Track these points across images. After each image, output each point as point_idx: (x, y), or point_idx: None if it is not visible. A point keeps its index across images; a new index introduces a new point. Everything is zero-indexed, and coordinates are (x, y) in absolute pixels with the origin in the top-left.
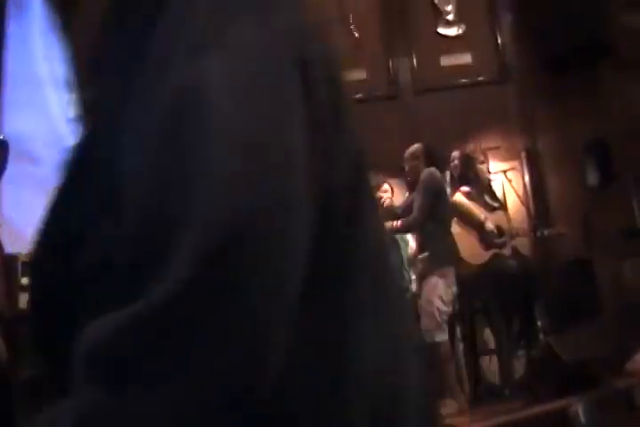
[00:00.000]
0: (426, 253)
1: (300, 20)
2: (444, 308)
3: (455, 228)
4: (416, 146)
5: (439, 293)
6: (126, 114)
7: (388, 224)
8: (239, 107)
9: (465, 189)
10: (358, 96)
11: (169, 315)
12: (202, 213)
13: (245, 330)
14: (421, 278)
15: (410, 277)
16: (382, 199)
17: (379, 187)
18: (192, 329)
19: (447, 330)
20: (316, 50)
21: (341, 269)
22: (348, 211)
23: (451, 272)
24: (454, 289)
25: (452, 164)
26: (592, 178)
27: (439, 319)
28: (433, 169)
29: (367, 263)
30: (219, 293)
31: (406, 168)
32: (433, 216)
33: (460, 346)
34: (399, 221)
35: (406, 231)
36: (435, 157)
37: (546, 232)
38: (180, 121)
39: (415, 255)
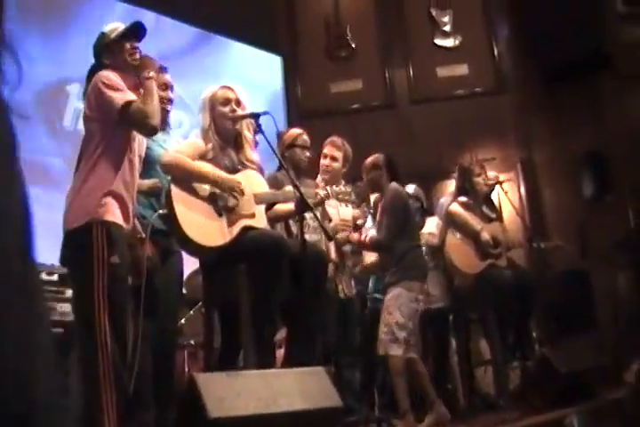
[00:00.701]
0: (394, 269)
1: None
2: (402, 320)
3: (451, 237)
4: (376, 155)
5: (400, 304)
6: None
7: (356, 237)
8: None
9: (462, 199)
10: (355, 106)
11: None
12: None
13: None
14: (386, 288)
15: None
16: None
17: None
18: None
19: (404, 345)
20: None
21: None
22: None
23: (417, 287)
24: (418, 306)
25: (453, 174)
26: (588, 189)
27: (396, 332)
28: (396, 185)
29: None
30: None
31: (365, 178)
32: (401, 234)
33: (455, 357)
34: (368, 237)
35: (375, 250)
36: (397, 169)
37: (543, 245)
38: None
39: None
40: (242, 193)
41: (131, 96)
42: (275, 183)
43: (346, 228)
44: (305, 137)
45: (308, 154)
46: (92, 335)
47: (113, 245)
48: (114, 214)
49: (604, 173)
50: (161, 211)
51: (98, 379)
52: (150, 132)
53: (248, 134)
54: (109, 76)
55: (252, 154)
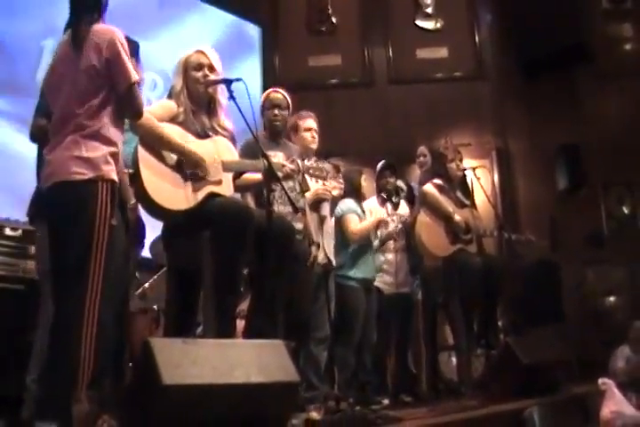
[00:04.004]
0: None
1: None
2: None
3: (423, 217)
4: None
5: None
6: None
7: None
8: None
9: (437, 181)
10: (332, 81)
11: None
12: None
13: None
14: None
15: None
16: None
17: (360, 174)
18: None
19: None
20: None
21: None
22: None
23: None
24: None
25: (418, 159)
26: (561, 183)
27: None
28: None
29: None
30: None
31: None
32: None
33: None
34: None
35: None
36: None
37: (514, 237)
38: None
39: None
40: (204, 171)
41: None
42: (249, 151)
43: (327, 193)
44: (273, 95)
45: (276, 112)
46: (81, 298)
47: (114, 207)
48: (115, 176)
49: (578, 166)
50: (126, 171)
51: (80, 338)
52: (136, 116)
53: (223, 100)
54: (123, 40)
55: (225, 120)
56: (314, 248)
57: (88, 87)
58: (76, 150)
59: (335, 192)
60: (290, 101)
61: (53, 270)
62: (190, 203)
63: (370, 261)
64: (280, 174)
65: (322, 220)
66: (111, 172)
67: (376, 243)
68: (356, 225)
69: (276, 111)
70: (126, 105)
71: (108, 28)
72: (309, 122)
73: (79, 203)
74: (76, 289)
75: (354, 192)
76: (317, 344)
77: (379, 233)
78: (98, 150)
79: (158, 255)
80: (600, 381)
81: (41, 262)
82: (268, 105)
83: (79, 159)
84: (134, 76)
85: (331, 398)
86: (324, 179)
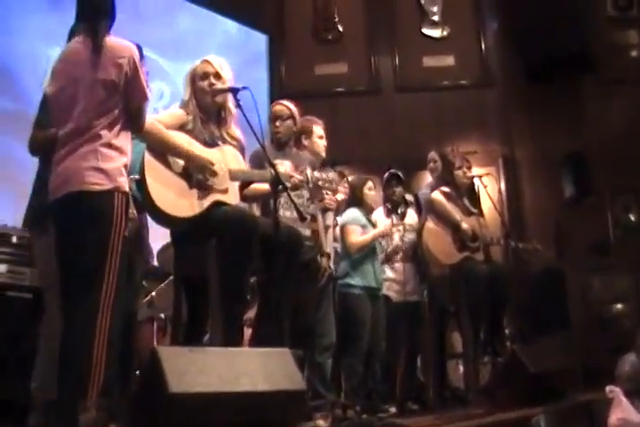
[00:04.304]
0: None
1: None
2: None
3: (430, 224)
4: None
5: None
6: None
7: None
8: None
9: (445, 189)
10: (338, 89)
11: None
12: None
13: None
14: None
15: None
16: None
17: (364, 183)
18: None
19: None
20: None
21: None
22: None
23: None
24: None
25: (429, 165)
26: (568, 190)
27: None
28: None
29: None
30: None
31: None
32: None
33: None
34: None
35: None
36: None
37: (521, 245)
38: None
39: None
40: (212, 173)
41: None
42: (257, 161)
43: (332, 202)
44: (275, 108)
45: (277, 124)
46: (94, 308)
47: (127, 218)
48: (127, 187)
49: (584, 174)
50: (133, 176)
51: (92, 347)
52: (137, 131)
53: (234, 109)
54: (138, 55)
55: (236, 130)
56: (324, 260)
57: (106, 99)
58: (92, 160)
59: (340, 197)
60: (294, 110)
61: (65, 280)
62: (195, 210)
63: (373, 269)
64: (287, 184)
65: (325, 229)
66: (125, 183)
67: (382, 256)
68: (355, 237)
69: (278, 123)
70: (133, 119)
71: (127, 45)
72: (321, 129)
73: (96, 213)
74: (88, 299)
75: (357, 201)
76: (322, 352)
77: (384, 243)
78: (113, 161)
79: (165, 263)
80: (607, 388)
81: (42, 271)
82: (271, 117)
83: (95, 170)
84: (148, 95)
85: (337, 406)
86: (334, 191)
